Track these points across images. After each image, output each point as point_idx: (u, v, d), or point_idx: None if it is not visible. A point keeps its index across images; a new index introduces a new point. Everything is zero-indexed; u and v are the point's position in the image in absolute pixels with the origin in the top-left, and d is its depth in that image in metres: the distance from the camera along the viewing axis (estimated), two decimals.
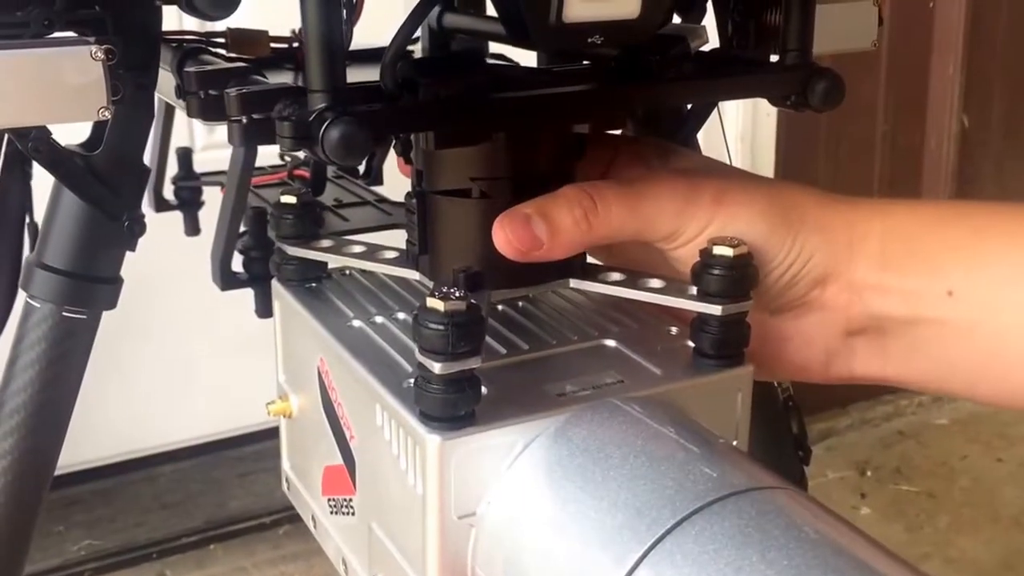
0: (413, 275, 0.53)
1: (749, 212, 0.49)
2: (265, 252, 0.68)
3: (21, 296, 0.59)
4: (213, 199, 0.90)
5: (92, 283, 0.56)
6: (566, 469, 0.42)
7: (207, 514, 1.76)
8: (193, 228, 0.90)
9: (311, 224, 0.56)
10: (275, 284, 0.58)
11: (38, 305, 0.56)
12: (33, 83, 0.42)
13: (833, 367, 0.52)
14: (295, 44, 0.63)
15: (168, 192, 0.89)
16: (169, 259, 1.11)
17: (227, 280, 0.67)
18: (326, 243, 0.56)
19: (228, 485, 1.81)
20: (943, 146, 2.16)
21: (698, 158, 0.55)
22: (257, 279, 0.68)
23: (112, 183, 0.54)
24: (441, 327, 0.40)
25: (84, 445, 1.69)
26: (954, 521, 1.86)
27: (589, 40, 0.43)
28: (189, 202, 0.89)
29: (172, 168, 0.90)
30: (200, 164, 0.92)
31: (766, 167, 2.01)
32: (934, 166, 2.20)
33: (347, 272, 0.58)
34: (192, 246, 0.90)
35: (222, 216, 0.65)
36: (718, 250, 0.47)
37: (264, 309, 0.70)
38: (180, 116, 0.66)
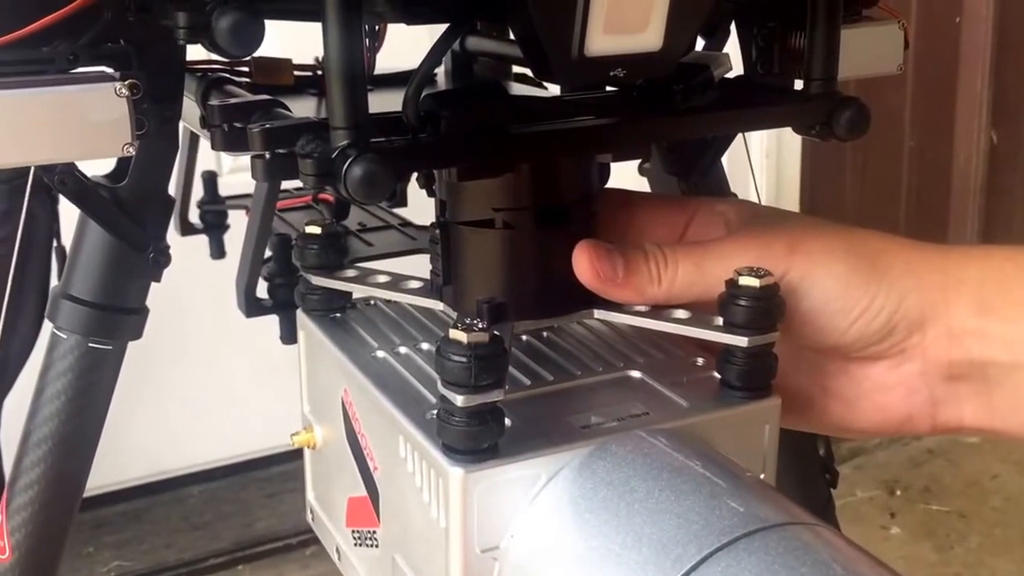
0: (437, 305, 0.53)
1: (827, 257, 0.48)
2: (290, 279, 0.69)
3: (47, 326, 0.59)
4: (239, 222, 0.91)
5: (118, 314, 0.57)
6: (590, 503, 0.42)
7: (235, 535, 1.76)
8: (219, 251, 0.91)
9: (336, 254, 0.56)
10: (300, 314, 0.57)
11: (64, 336, 0.56)
12: (58, 120, 0.42)
13: (941, 416, 0.50)
14: (319, 72, 0.64)
15: (194, 216, 0.90)
16: (196, 281, 1.12)
17: (252, 307, 0.67)
18: (350, 273, 0.56)
19: (256, 506, 1.82)
20: (972, 161, 2.14)
21: (778, 213, 0.55)
22: (282, 306, 0.68)
23: (137, 215, 0.54)
24: (463, 359, 0.40)
25: (113, 466, 1.70)
26: (985, 541, 1.83)
27: (611, 73, 0.43)
28: (215, 226, 0.90)
29: (198, 192, 0.91)
30: (227, 187, 0.92)
31: (792, 183, 2.00)
32: (963, 181, 2.18)
33: (371, 301, 0.58)
34: (219, 267, 0.91)
35: (247, 243, 0.66)
36: (744, 280, 0.46)
37: (289, 336, 0.70)
38: (206, 140, 0.67)
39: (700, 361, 0.51)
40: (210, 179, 0.89)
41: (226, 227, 0.90)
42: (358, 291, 0.55)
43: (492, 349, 0.41)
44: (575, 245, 0.50)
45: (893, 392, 0.50)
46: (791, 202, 2.02)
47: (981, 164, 2.15)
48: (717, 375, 0.48)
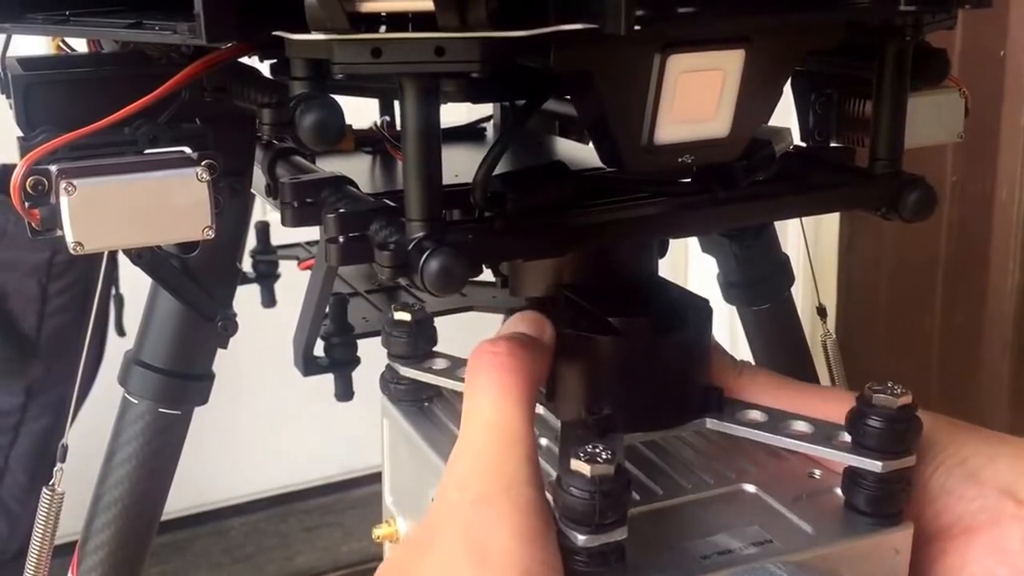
0: (537, 408, 0.48)
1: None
2: (345, 338, 0.70)
3: (119, 390, 0.60)
4: (289, 270, 0.92)
5: (187, 381, 0.58)
6: None
7: (277, 568, 1.77)
8: (270, 300, 0.93)
9: (425, 342, 0.53)
10: (384, 402, 0.54)
11: (136, 401, 0.58)
12: (142, 207, 0.43)
13: None
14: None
15: (246, 266, 0.91)
16: (240, 315, 1.14)
17: (309, 366, 0.68)
18: (440, 364, 0.52)
19: (296, 539, 1.83)
20: (1015, 196, 2.12)
21: None
22: (338, 365, 0.69)
23: (207, 285, 0.55)
24: (587, 495, 0.37)
25: None
26: None
27: (679, 160, 0.44)
28: (266, 275, 0.91)
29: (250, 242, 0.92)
30: (276, 229, 0.93)
31: (832, 216, 1.99)
32: (1004, 215, 2.16)
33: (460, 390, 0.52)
34: (260, 301, 0.92)
35: (306, 304, 0.67)
36: (879, 399, 0.42)
37: (344, 394, 0.71)
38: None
39: (817, 473, 0.47)
40: (263, 230, 0.90)
41: (277, 276, 0.91)
42: (451, 387, 0.52)
43: (617, 483, 0.38)
44: (690, 352, 0.46)
45: None
46: (830, 235, 2.01)
47: None
48: (839, 492, 0.44)
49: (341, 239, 0.43)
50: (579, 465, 0.38)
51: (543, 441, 0.48)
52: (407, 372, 0.52)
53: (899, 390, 0.43)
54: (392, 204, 0.44)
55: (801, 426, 0.46)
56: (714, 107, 0.43)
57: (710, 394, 0.48)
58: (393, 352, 0.53)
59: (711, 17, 0.41)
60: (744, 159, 0.49)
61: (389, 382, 0.53)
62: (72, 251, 0.42)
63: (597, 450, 0.38)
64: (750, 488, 0.47)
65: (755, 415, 0.47)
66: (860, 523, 0.43)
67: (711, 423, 0.48)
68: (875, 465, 0.42)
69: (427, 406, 0.53)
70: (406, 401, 0.53)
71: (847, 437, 0.44)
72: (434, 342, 0.53)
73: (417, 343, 0.52)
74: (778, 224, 0.75)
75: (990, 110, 2.10)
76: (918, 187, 0.48)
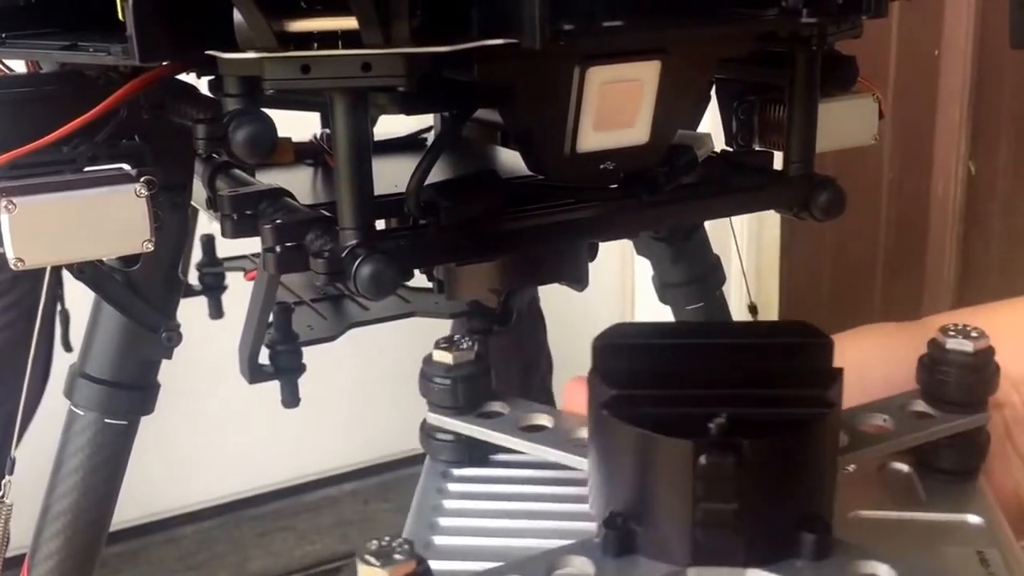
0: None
1: None
2: (291, 345, 0.71)
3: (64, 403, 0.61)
4: (235, 282, 0.93)
5: (132, 391, 0.59)
6: None
7: (230, 574, 1.77)
8: (217, 312, 0.93)
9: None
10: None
11: (81, 413, 0.59)
12: (81, 222, 0.44)
13: None
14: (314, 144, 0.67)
15: (193, 278, 0.92)
16: (187, 324, 1.14)
17: (255, 373, 0.69)
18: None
19: (249, 545, 1.83)
20: (950, 192, 2.18)
21: None
22: (283, 372, 0.71)
23: (150, 297, 0.56)
24: None
25: None
26: None
27: (601, 167, 0.46)
28: (213, 287, 0.92)
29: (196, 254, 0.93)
30: (222, 241, 0.94)
31: (771, 215, 2.04)
32: (941, 211, 2.22)
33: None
34: (207, 313, 0.93)
35: (250, 312, 0.68)
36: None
37: (291, 400, 0.73)
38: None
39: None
40: (208, 242, 0.91)
41: (224, 288, 0.92)
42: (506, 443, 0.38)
43: None
44: None
45: None
46: (771, 234, 2.05)
47: (959, 194, 2.19)
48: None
49: (278, 248, 0.45)
50: None
51: None
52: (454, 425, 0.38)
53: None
54: (327, 214, 0.45)
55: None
56: (633, 115, 0.46)
57: None
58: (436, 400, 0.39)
59: (628, 30, 0.43)
60: (667, 164, 0.51)
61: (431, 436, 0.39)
62: (13, 267, 0.43)
63: None
64: None
65: None
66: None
67: None
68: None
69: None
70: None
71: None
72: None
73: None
74: (719, 225, 0.78)
75: (925, 108, 2.16)
76: (828, 188, 0.51)
